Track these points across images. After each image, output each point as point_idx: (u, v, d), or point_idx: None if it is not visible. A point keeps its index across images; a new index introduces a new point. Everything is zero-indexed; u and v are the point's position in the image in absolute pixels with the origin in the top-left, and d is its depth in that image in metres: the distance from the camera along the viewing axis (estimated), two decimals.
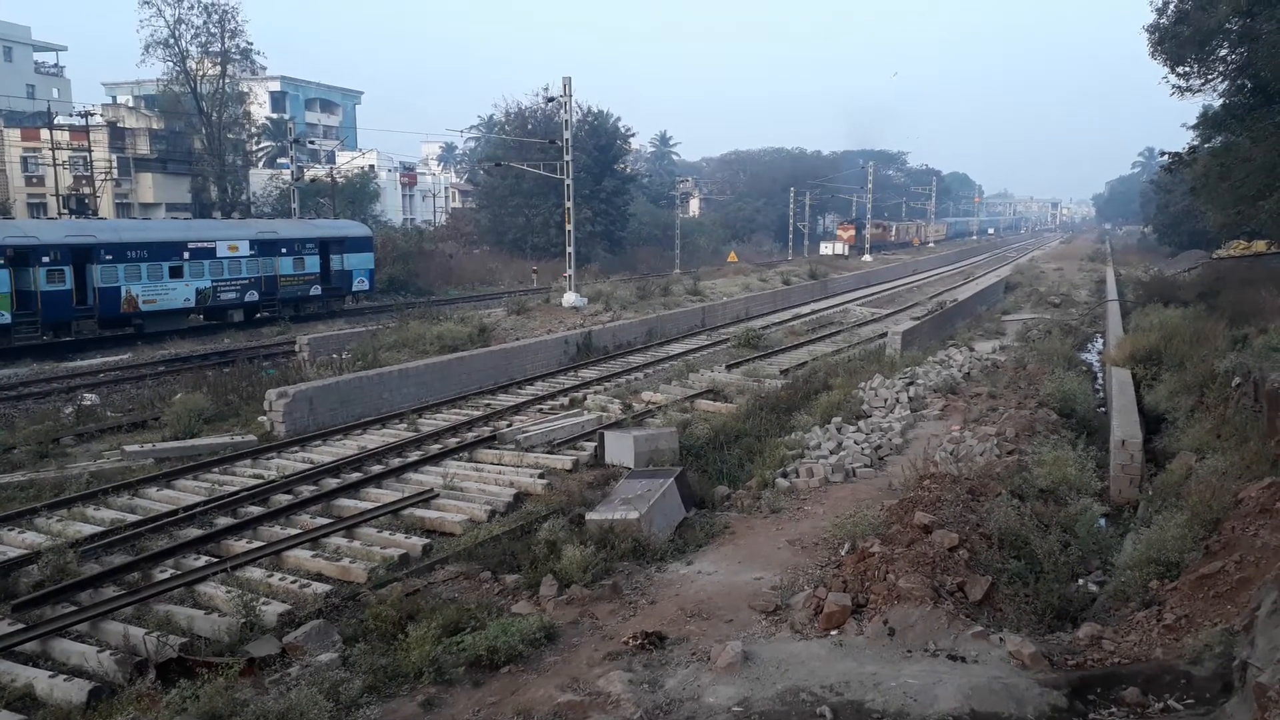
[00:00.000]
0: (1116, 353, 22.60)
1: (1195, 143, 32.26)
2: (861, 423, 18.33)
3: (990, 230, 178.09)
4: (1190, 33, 26.82)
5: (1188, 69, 28.66)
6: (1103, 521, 12.44)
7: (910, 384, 21.56)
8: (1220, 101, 29.83)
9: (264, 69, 68.33)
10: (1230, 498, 10.64)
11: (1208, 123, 30.28)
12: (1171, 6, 27.93)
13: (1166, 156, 34.01)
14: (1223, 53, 27.84)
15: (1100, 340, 32.15)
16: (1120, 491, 13.79)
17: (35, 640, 9.99)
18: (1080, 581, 10.56)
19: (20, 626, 10.25)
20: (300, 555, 12.50)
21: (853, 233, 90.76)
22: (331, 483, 15.81)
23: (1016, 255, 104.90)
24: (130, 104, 75.71)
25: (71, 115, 58.20)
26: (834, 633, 8.80)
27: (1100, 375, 24.87)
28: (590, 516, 12.54)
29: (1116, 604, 9.59)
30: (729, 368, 26.92)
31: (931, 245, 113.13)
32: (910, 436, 17.40)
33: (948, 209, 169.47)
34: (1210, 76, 28.62)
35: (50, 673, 9.33)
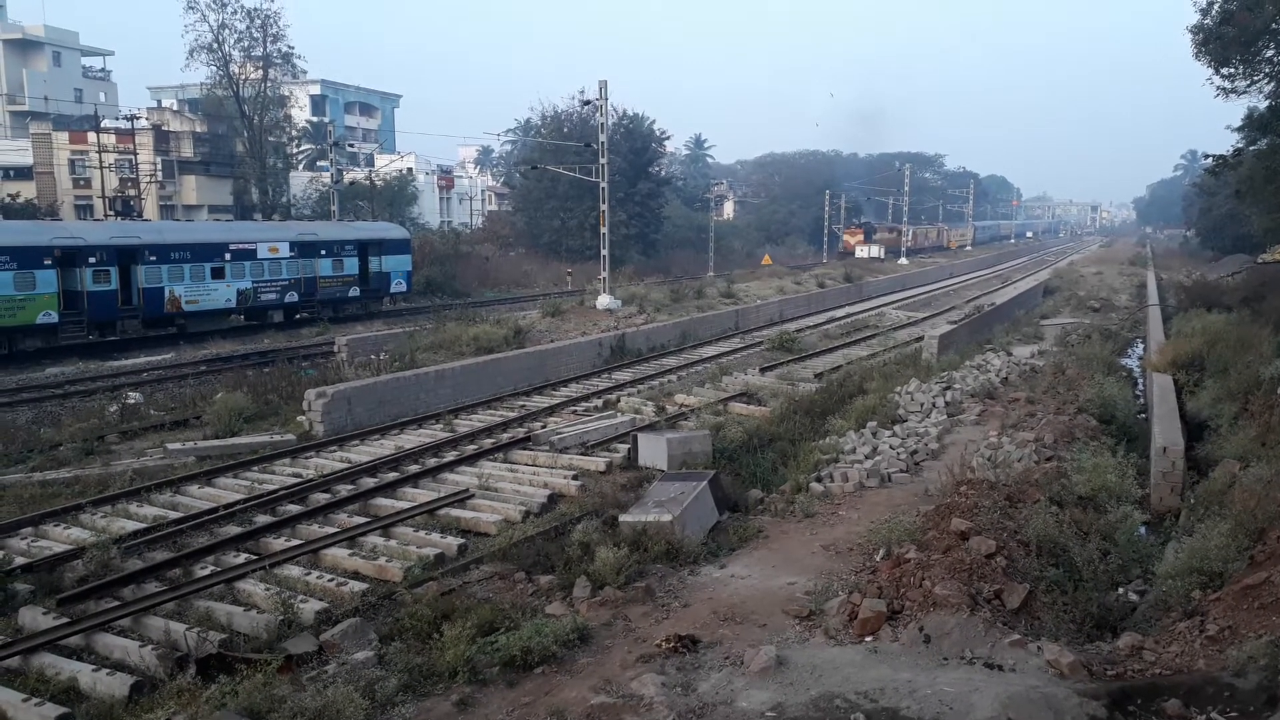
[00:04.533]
0: (1158, 358, 22.25)
1: (1240, 145, 31.74)
2: (897, 427, 18.19)
3: (1028, 233, 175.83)
4: (1235, 33, 26.42)
5: (1233, 70, 28.24)
6: (1143, 530, 12.26)
7: (947, 388, 21.36)
8: (1266, 103, 29.32)
9: (305, 73, 69.20)
10: (1275, 507, 10.43)
11: (1253, 125, 29.80)
12: (1216, 7, 27.54)
13: (1210, 159, 33.45)
14: (1269, 53, 27.40)
15: (1141, 346, 31.65)
16: (1161, 499, 13.57)
17: (79, 635, 10.19)
18: (1120, 590, 10.42)
19: (65, 621, 10.45)
20: (338, 554, 12.64)
21: (860, 237, 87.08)
22: (369, 482, 15.97)
23: (1055, 259, 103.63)
24: (174, 107, 76.98)
25: (118, 119, 59.26)
26: (869, 639, 8.75)
27: (1141, 381, 24.49)
28: (623, 518, 12.55)
29: (1157, 614, 9.44)
30: (763, 371, 26.83)
31: (969, 249, 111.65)
32: (947, 442, 17.25)
33: (985, 212, 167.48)
34: (1256, 78, 28.18)
35: (94, 667, 9.51)
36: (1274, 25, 25.73)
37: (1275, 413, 14.98)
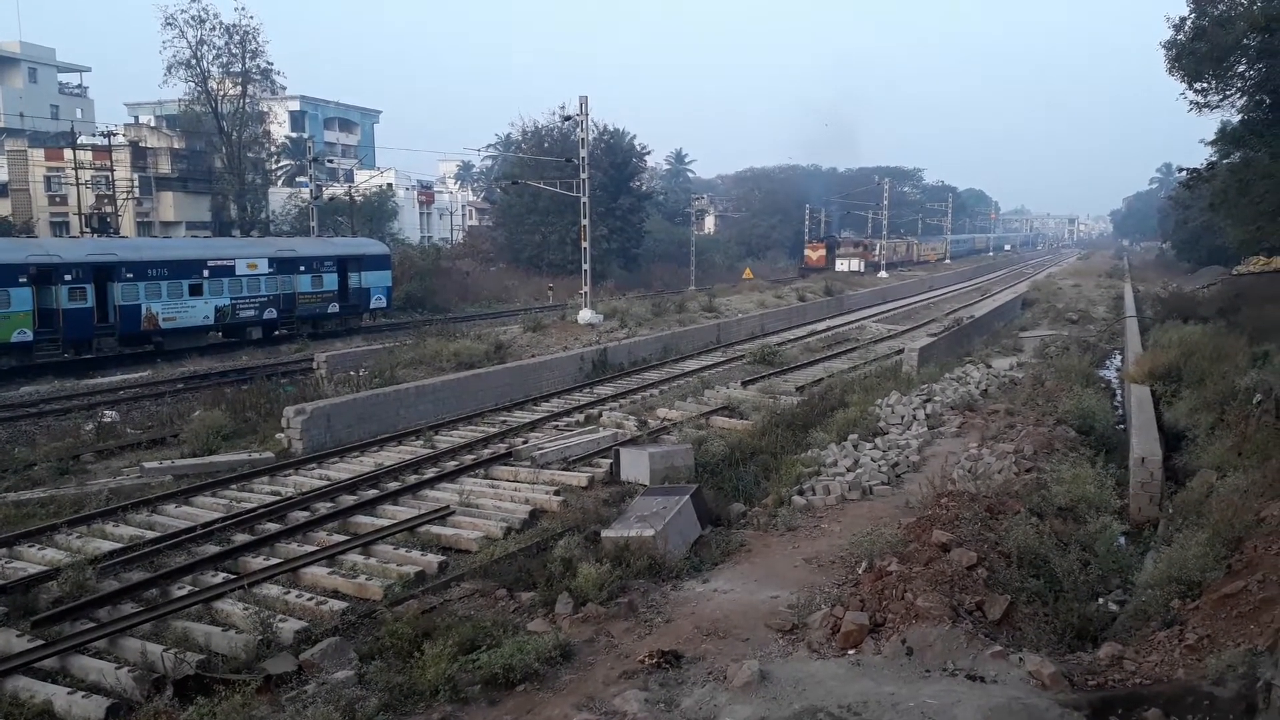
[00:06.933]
0: (1135, 369, 22.45)
1: (1214, 158, 32.21)
2: (878, 440, 18.24)
3: (1006, 246, 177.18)
4: (1208, 49, 26.84)
5: (1205, 85, 28.69)
6: (1122, 540, 12.33)
7: (927, 401, 21.46)
8: (1239, 117, 29.79)
9: (284, 89, 69.06)
10: (1252, 516, 10.55)
11: (1226, 138, 30.23)
12: (1189, 23, 27.98)
13: (1185, 172, 33.92)
14: (1240, 68, 27.85)
15: (1119, 357, 31.92)
16: (1140, 509, 13.67)
17: (54, 657, 10.04)
18: (1100, 601, 10.47)
19: (39, 643, 10.31)
20: (317, 572, 12.53)
21: (823, 252, 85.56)
22: (348, 500, 15.86)
23: (1033, 271, 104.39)
24: (152, 124, 76.60)
25: (94, 135, 58.93)
26: (851, 652, 8.74)
27: (1119, 392, 24.69)
28: (606, 534, 12.52)
29: (1137, 623, 9.49)
30: (744, 384, 26.86)
31: (948, 262, 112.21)
32: (928, 454, 17.30)
33: (964, 225, 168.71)
34: (1228, 92, 28.63)
35: (69, 689, 9.38)
36: (1245, 41, 26.14)
37: (1251, 423, 15.15)
